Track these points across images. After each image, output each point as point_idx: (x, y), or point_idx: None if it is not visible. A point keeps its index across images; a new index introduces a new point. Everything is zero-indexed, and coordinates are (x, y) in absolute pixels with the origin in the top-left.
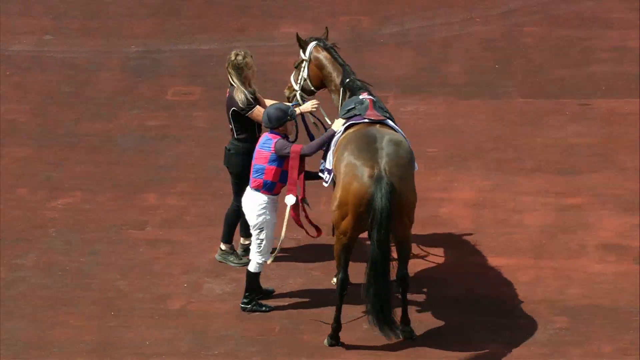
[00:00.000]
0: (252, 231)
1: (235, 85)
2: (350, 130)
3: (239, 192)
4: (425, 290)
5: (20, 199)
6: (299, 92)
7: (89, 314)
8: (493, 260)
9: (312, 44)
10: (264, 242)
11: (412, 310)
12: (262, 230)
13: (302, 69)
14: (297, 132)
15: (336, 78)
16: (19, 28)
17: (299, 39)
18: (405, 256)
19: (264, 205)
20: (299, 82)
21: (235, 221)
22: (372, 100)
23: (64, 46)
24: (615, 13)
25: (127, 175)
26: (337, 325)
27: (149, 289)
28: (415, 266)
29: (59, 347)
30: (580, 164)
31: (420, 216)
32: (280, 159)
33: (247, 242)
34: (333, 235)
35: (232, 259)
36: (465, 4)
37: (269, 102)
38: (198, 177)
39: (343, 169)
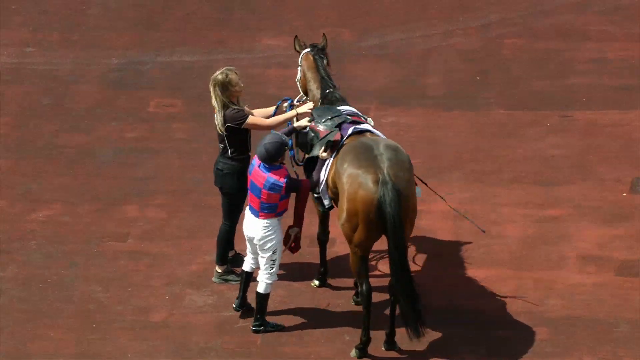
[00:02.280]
0: (263, 254)
1: (220, 104)
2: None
3: (232, 213)
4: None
5: None
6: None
7: (69, 326)
8: (473, 272)
9: (305, 51)
10: (276, 263)
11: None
12: (276, 252)
13: (297, 73)
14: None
15: (315, 89)
16: None
17: (295, 43)
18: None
19: (275, 227)
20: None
21: (228, 242)
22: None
23: (43, 58)
24: (594, 25)
25: (106, 188)
26: (367, 339)
27: (129, 301)
28: None
29: (39, 359)
30: (559, 176)
31: None
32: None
33: (220, 270)
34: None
35: (232, 277)
36: (444, 16)
37: (257, 111)
38: (178, 189)
39: (345, 179)
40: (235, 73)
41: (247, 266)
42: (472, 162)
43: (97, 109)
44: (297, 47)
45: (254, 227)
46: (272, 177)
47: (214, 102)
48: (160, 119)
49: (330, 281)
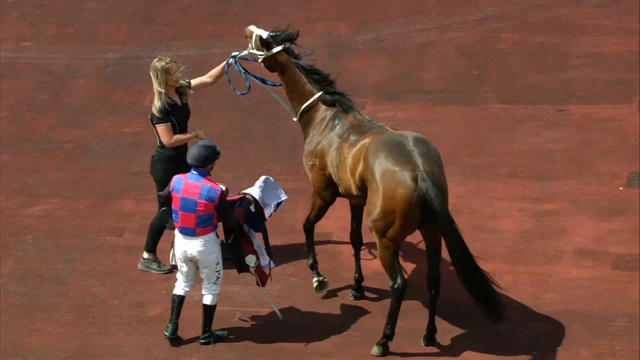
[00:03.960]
0: (207, 270)
1: (155, 91)
2: (367, 140)
3: None
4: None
5: None
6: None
7: (66, 321)
8: None
9: (277, 49)
10: (221, 274)
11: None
12: (219, 263)
13: (258, 56)
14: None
15: (304, 87)
16: None
17: (261, 40)
18: (439, 258)
19: (213, 240)
20: (251, 56)
21: (161, 230)
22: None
23: (40, 53)
24: (590, 19)
25: (103, 182)
26: (391, 333)
27: (126, 295)
28: None
29: (35, 354)
30: (555, 170)
31: None
32: None
33: (147, 257)
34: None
35: (154, 266)
36: (441, 10)
37: (207, 76)
38: None
39: (380, 177)
40: (175, 63)
41: (179, 289)
42: (469, 156)
43: (94, 104)
44: (263, 42)
45: (192, 247)
46: (207, 185)
47: (154, 88)
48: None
49: (328, 276)
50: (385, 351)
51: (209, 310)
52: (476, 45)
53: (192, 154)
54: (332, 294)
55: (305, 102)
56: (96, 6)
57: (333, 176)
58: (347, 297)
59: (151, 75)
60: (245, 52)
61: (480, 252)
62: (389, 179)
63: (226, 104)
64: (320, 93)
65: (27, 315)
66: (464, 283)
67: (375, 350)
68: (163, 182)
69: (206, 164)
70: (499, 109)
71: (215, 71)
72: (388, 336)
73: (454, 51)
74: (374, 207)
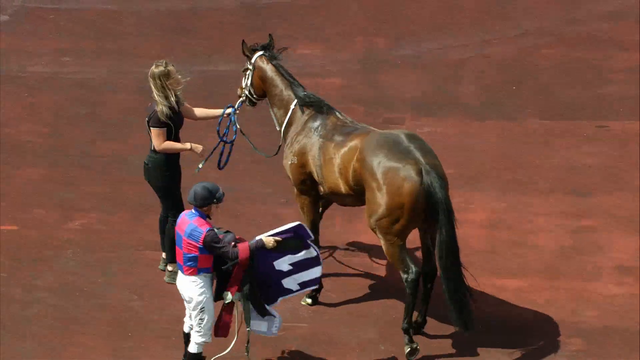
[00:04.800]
0: (191, 311)
1: (156, 97)
2: (357, 141)
3: (166, 205)
4: (438, 309)
5: (35, 219)
6: (245, 96)
7: (104, 334)
8: (507, 281)
9: (257, 54)
10: (205, 321)
11: (425, 328)
12: (204, 310)
13: (246, 76)
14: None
15: (282, 92)
16: (34, 50)
17: (243, 47)
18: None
19: (202, 284)
20: (244, 88)
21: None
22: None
23: (78, 67)
24: (629, 35)
25: (141, 196)
26: (408, 327)
27: (164, 309)
28: None
29: None
30: (594, 186)
31: None
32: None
33: (171, 269)
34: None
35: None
36: (479, 26)
37: (199, 110)
38: None
39: (382, 175)
40: (173, 66)
41: (186, 327)
42: (507, 171)
43: (131, 117)
44: (247, 51)
45: (181, 283)
46: (193, 224)
47: (155, 94)
48: (192, 127)
49: (365, 291)
50: (414, 346)
51: (189, 358)
52: (515, 61)
53: (191, 192)
54: (369, 308)
55: (286, 107)
56: (134, 21)
57: (315, 175)
58: (383, 311)
59: (150, 83)
60: (240, 100)
61: (518, 267)
62: (394, 175)
63: (258, 115)
64: (297, 98)
65: (66, 329)
66: (442, 275)
67: (407, 349)
68: (161, 188)
69: (202, 204)
70: (537, 124)
71: (209, 112)
72: (406, 330)
73: (493, 66)
74: (378, 205)
